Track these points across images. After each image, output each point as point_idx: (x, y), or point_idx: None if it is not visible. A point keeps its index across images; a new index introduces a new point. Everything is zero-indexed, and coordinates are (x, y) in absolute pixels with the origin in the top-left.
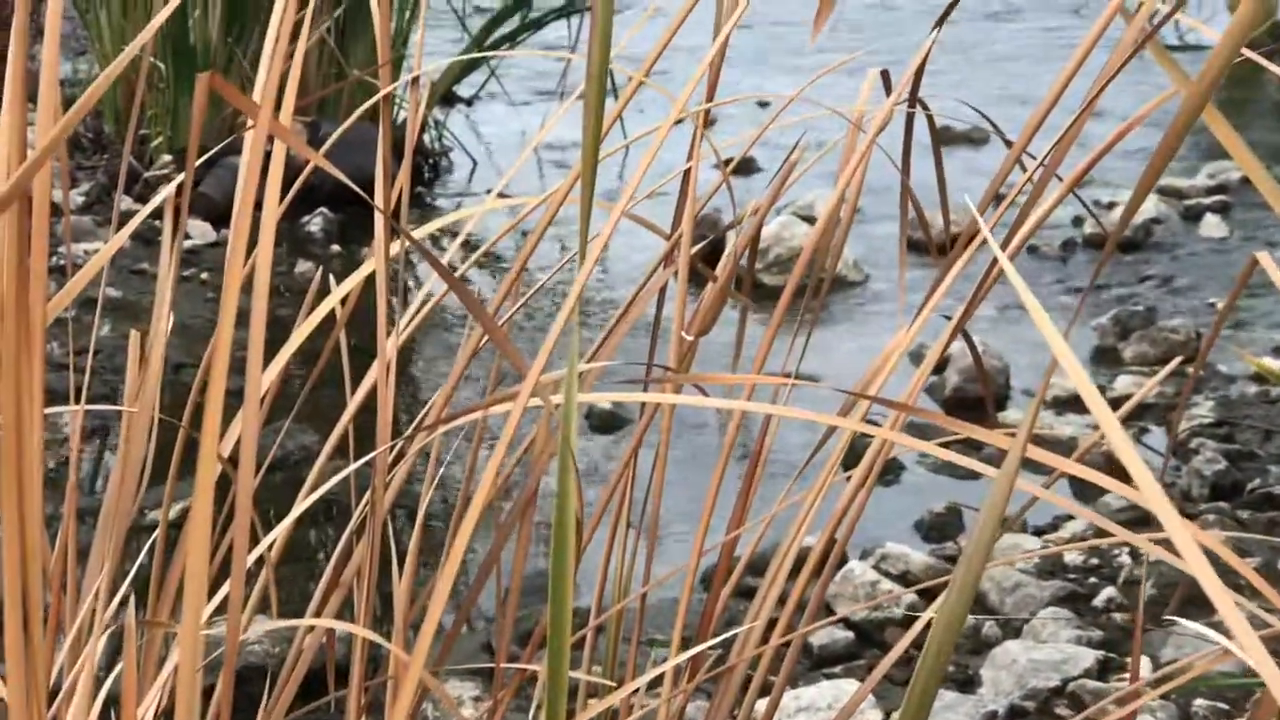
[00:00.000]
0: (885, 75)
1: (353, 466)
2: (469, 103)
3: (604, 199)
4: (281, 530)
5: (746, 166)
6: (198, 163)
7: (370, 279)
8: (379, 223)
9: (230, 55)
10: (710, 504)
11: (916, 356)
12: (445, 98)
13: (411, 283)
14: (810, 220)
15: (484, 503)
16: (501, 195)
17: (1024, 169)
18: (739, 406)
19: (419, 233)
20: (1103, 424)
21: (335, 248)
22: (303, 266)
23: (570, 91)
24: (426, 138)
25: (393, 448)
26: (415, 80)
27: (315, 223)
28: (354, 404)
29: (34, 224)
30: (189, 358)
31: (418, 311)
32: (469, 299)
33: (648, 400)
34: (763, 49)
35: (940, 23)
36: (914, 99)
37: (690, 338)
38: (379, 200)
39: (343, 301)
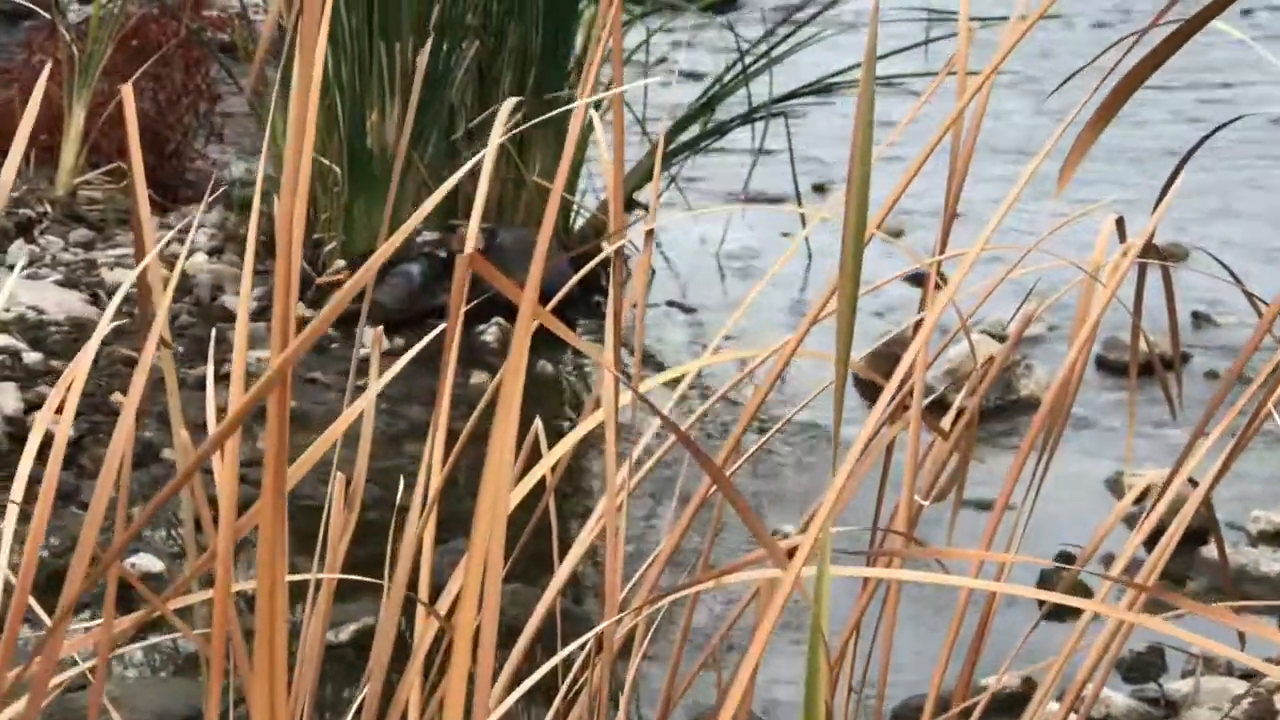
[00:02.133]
0: (1120, 222)
1: (569, 648)
2: (648, 209)
3: (788, 311)
4: (506, 699)
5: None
6: (366, 265)
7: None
8: (607, 379)
9: (408, 160)
10: (944, 663)
11: (1115, 485)
12: (625, 204)
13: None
14: (1001, 339)
15: (750, 678)
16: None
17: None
18: (967, 584)
19: (646, 386)
20: None
21: None
22: (477, 378)
23: (750, 199)
24: (605, 244)
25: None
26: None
27: (490, 332)
28: (569, 563)
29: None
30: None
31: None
32: (702, 457)
33: (881, 576)
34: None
35: (1183, 164)
36: (1148, 248)
37: (927, 504)
38: (607, 356)
39: (553, 469)
